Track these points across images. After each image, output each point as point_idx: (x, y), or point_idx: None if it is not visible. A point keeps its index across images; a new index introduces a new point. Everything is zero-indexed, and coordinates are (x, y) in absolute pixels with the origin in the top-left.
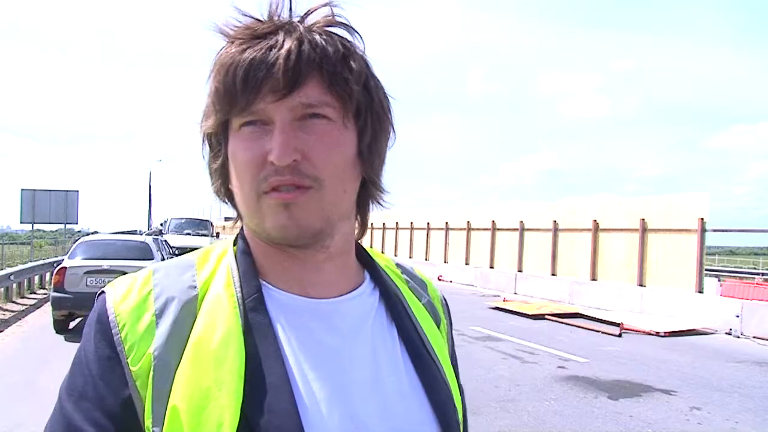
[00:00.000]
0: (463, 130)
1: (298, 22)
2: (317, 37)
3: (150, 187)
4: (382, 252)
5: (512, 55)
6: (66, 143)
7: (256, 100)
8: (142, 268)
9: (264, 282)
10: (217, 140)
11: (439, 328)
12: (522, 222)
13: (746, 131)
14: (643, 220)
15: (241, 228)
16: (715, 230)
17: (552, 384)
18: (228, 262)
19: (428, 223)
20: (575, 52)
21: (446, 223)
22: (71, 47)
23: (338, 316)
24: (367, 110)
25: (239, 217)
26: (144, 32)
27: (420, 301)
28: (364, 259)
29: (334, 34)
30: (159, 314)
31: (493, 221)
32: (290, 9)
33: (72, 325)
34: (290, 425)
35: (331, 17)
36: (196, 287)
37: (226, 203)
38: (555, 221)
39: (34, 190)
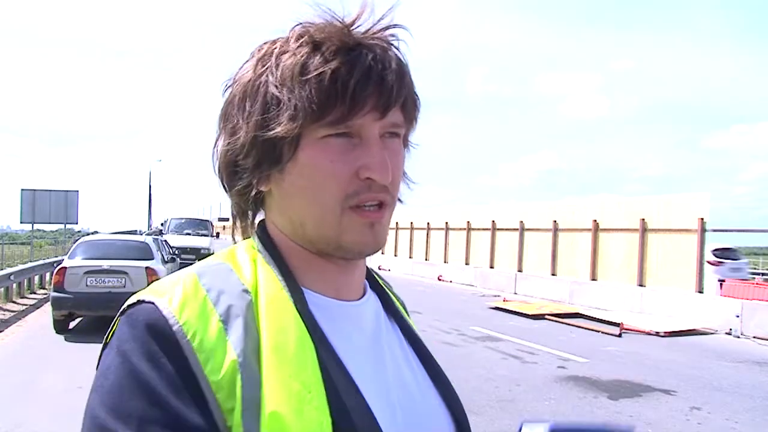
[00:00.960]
0: (463, 130)
1: (380, 36)
2: (402, 58)
3: (150, 187)
4: (382, 253)
5: (512, 54)
6: (66, 143)
7: (357, 115)
8: (142, 268)
9: (301, 286)
10: (283, 145)
11: None
12: (522, 222)
13: (746, 131)
14: (643, 220)
15: (263, 231)
16: (715, 230)
17: (552, 384)
18: (266, 265)
19: (428, 223)
20: (575, 52)
21: (446, 223)
22: (71, 47)
23: (362, 318)
24: (410, 131)
25: (243, 220)
26: (144, 32)
27: (397, 298)
28: None
29: (402, 51)
30: (225, 319)
31: (493, 221)
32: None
33: (72, 325)
34: (370, 424)
35: (394, 29)
36: (248, 291)
37: (234, 198)
38: (555, 221)
39: (34, 190)
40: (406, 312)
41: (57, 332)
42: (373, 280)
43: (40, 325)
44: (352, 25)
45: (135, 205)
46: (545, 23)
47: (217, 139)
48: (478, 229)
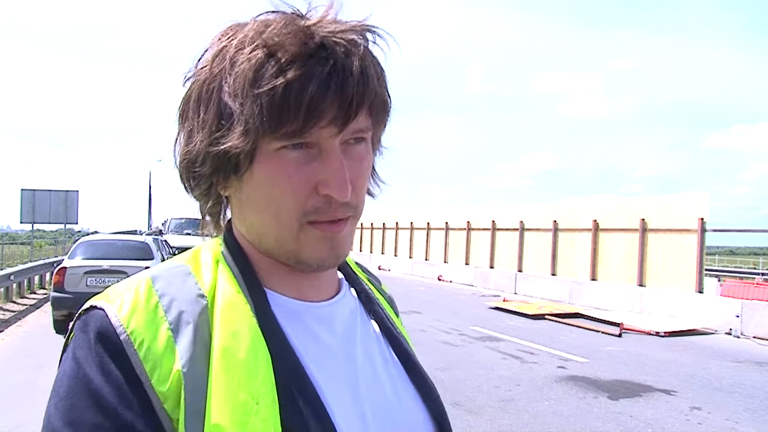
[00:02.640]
0: (463, 129)
1: (344, 38)
2: (369, 59)
3: (150, 187)
4: (382, 253)
5: (511, 54)
6: (66, 143)
7: (314, 127)
8: (142, 268)
9: (265, 288)
10: (237, 158)
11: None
12: (522, 222)
13: (746, 131)
14: (643, 220)
15: (229, 232)
16: (715, 230)
17: (552, 384)
18: (225, 266)
19: (428, 223)
20: (575, 52)
21: (446, 223)
22: (71, 47)
23: (333, 318)
24: (380, 132)
25: (217, 226)
26: (144, 32)
27: (383, 296)
28: None
29: (371, 51)
30: (174, 328)
31: (493, 221)
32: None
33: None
34: (324, 425)
35: (368, 29)
36: (204, 296)
37: (196, 199)
38: (555, 221)
39: (34, 190)
40: (394, 310)
41: (57, 332)
42: (352, 277)
43: (40, 325)
44: (314, 25)
45: (135, 205)
46: (545, 23)
47: (177, 136)
48: (478, 229)
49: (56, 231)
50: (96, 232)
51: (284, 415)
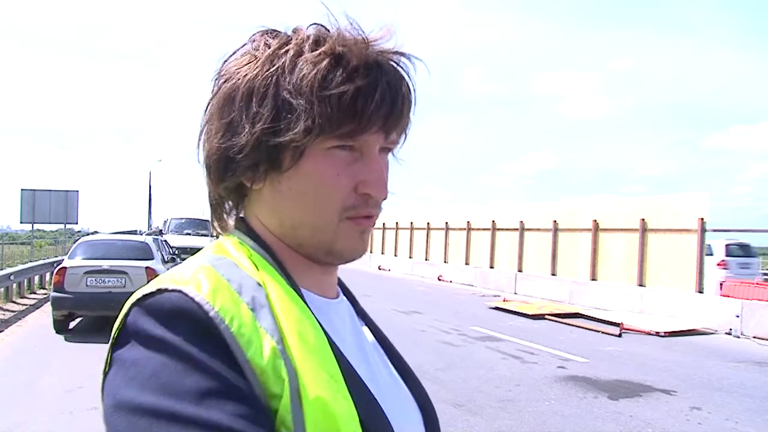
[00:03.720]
0: (463, 129)
1: (392, 54)
2: (408, 79)
3: (150, 187)
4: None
5: (511, 54)
6: (66, 143)
7: (366, 132)
8: (142, 268)
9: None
10: (288, 152)
11: None
12: (522, 222)
13: (746, 131)
14: (643, 220)
15: (247, 230)
16: (715, 230)
17: (552, 384)
18: (264, 264)
19: (428, 223)
20: (574, 52)
21: (446, 223)
22: (71, 47)
23: (344, 313)
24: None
25: (222, 222)
26: (144, 32)
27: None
28: None
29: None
30: (253, 308)
31: (493, 221)
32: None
33: (72, 325)
34: (382, 415)
35: (409, 57)
36: (261, 285)
37: (217, 190)
38: (555, 221)
39: (34, 190)
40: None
41: (57, 332)
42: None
43: (40, 325)
44: (372, 42)
45: (135, 205)
46: (544, 23)
47: (202, 131)
48: (478, 229)
49: (56, 231)
50: (96, 232)
51: (352, 397)
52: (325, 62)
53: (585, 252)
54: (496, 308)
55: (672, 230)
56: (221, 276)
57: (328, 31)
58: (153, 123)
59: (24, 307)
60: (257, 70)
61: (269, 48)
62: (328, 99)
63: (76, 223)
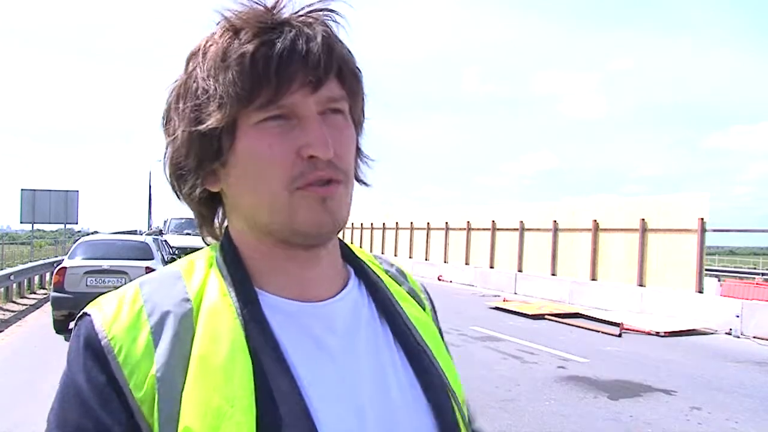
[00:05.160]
0: (462, 129)
1: (307, 15)
2: (334, 30)
3: (150, 187)
4: (382, 253)
5: (510, 54)
6: (66, 143)
7: (286, 94)
8: (142, 268)
9: (258, 289)
10: (219, 137)
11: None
12: (522, 222)
13: (746, 131)
14: (643, 220)
15: (227, 236)
16: (715, 230)
17: (552, 384)
18: (217, 270)
19: (428, 223)
20: (574, 52)
21: (446, 223)
22: (71, 47)
23: (335, 317)
24: (359, 109)
25: (211, 229)
26: (144, 32)
27: (402, 288)
28: (347, 254)
29: (339, 28)
30: (155, 332)
31: (493, 221)
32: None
33: (72, 325)
34: (307, 430)
35: (327, 12)
36: (189, 300)
37: (189, 205)
38: (555, 221)
39: (34, 190)
40: (419, 303)
41: (57, 332)
42: (363, 270)
43: (40, 325)
44: (273, 8)
45: (135, 205)
46: (544, 22)
47: (165, 147)
48: (478, 229)
49: (56, 231)
50: (96, 232)
51: (263, 419)
52: (226, 38)
53: (585, 252)
54: (496, 308)
55: (672, 230)
56: (139, 297)
57: (234, 12)
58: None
59: (24, 307)
60: (183, 72)
61: (192, 50)
62: (227, 70)
63: (76, 223)
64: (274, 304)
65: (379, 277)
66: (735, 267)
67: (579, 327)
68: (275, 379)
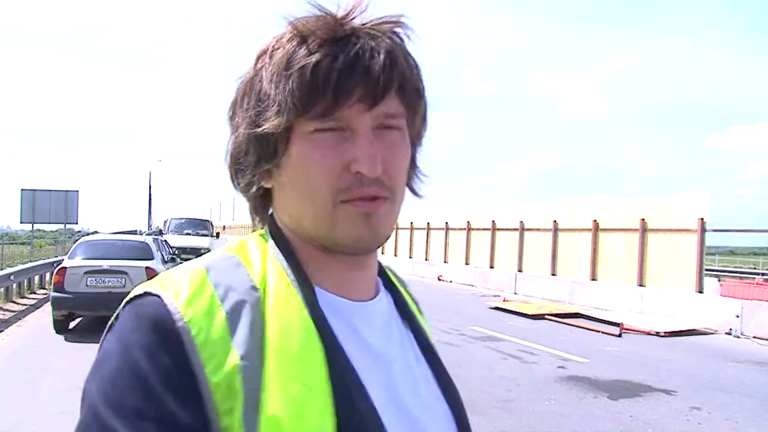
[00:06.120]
0: (461, 129)
1: (377, 27)
2: (399, 45)
3: (150, 187)
4: (382, 253)
5: (510, 54)
6: (66, 143)
7: (343, 107)
8: (142, 268)
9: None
10: (275, 141)
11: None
12: (522, 222)
13: (746, 131)
14: (643, 220)
15: (273, 227)
16: (715, 230)
17: (552, 384)
18: (276, 261)
19: (428, 223)
20: (573, 51)
21: (446, 223)
22: (71, 47)
23: (375, 317)
24: (419, 122)
25: (263, 220)
26: (144, 31)
27: (411, 298)
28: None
29: (406, 40)
30: (231, 318)
31: (493, 221)
32: (362, 11)
33: (72, 325)
34: (374, 422)
35: (397, 24)
36: (257, 287)
37: (245, 197)
38: (555, 221)
39: (34, 190)
40: (420, 311)
41: (57, 332)
42: (386, 279)
43: (40, 325)
44: (344, 18)
45: (135, 205)
46: (543, 22)
47: (229, 139)
48: (478, 229)
49: (56, 231)
50: (96, 232)
51: (340, 409)
52: (292, 44)
53: (585, 252)
54: (496, 308)
55: (672, 230)
56: (208, 281)
57: (303, 19)
58: (153, 123)
59: (24, 307)
60: (251, 70)
61: (261, 48)
62: (289, 78)
63: (76, 223)
64: (326, 299)
65: (396, 286)
66: (735, 267)
67: (579, 327)
68: (343, 373)
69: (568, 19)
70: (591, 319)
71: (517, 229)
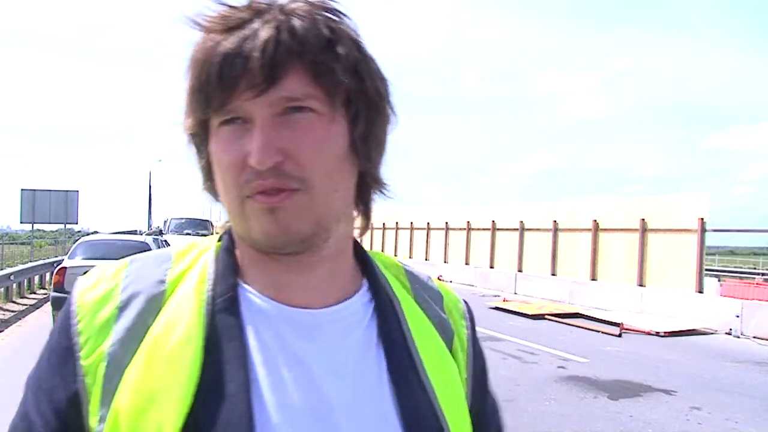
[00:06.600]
0: (462, 129)
1: (278, 7)
2: (297, 22)
3: (150, 187)
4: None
5: (510, 54)
6: (66, 143)
7: (232, 98)
8: None
9: (242, 283)
10: (200, 140)
11: (452, 346)
12: (522, 222)
13: (746, 131)
14: (643, 220)
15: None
16: (715, 230)
17: (552, 384)
18: (207, 258)
19: (428, 223)
20: (574, 52)
21: (446, 223)
22: (71, 47)
23: (319, 328)
24: (358, 98)
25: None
26: (144, 31)
27: (426, 314)
28: (365, 264)
29: (319, 17)
30: (122, 308)
31: (493, 221)
32: None
33: None
34: (243, 429)
35: (315, 1)
36: (164, 282)
37: (218, 201)
38: (555, 221)
39: (34, 190)
40: (468, 328)
41: None
42: (381, 284)
43: (40, 325)
44: (245, 6)
45: (135, 205)
46: (543, 22)
47: None
48: (478, 229)
49: (56, 231)
50: (96, 232)
51: (198, 413)
52: (196, 40)
53: (585, 252)
54: (496, 308)
55: (672, 230)
56: (121, 273)
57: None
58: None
59: (24, 307)
60: None
61: None
62: (188, 73)
63: (76, 223)
64: (253, 301)
65: (396, 296)
66: (735, 267)
67: (579, 327)
68: (226, 375)
69: (568, 19)
70: (591, 319)
71: (517, 229)
